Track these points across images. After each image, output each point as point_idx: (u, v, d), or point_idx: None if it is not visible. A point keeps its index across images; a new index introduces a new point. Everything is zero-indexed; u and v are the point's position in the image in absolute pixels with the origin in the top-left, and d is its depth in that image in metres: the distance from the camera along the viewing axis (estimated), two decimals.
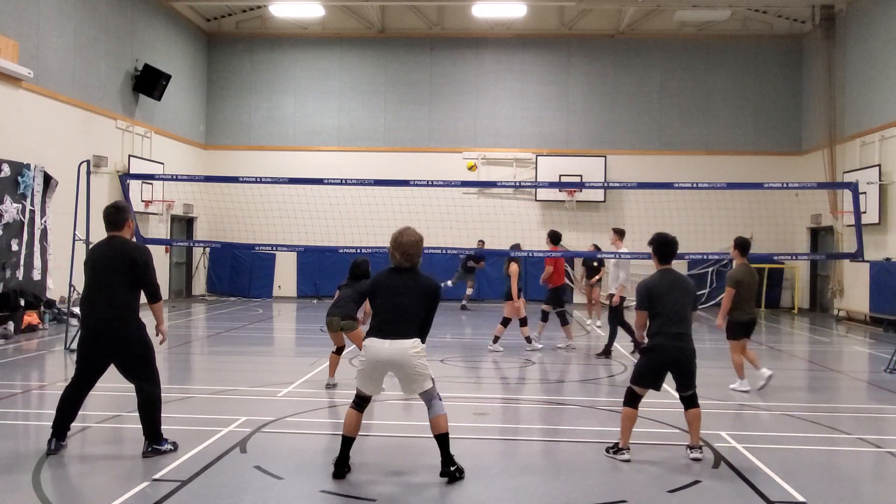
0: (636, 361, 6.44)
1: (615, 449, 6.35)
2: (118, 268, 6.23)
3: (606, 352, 12.01)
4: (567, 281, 22.91)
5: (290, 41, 24.05)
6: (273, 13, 22.81)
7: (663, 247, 6.66)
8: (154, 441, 6.17)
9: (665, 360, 6.32)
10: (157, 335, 6.49)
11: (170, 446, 6.22)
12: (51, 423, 6.23)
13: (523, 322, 12.71)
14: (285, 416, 7.60)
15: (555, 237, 13.23)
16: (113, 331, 6.18)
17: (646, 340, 6.52)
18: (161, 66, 20.17)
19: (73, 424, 6.35)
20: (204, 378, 10.68)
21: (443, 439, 5.69)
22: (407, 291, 5.76)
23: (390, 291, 5.78)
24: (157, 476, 5.59)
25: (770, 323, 18.91)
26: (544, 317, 13.05)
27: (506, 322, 12.67)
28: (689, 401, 6.41)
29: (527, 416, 8.23)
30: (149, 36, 20.36)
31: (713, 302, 22.52)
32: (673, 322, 6.30)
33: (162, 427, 6.23)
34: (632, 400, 6.39)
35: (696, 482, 5.70)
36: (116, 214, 6.57)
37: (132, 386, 6.20)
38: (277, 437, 6.94)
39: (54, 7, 16.07)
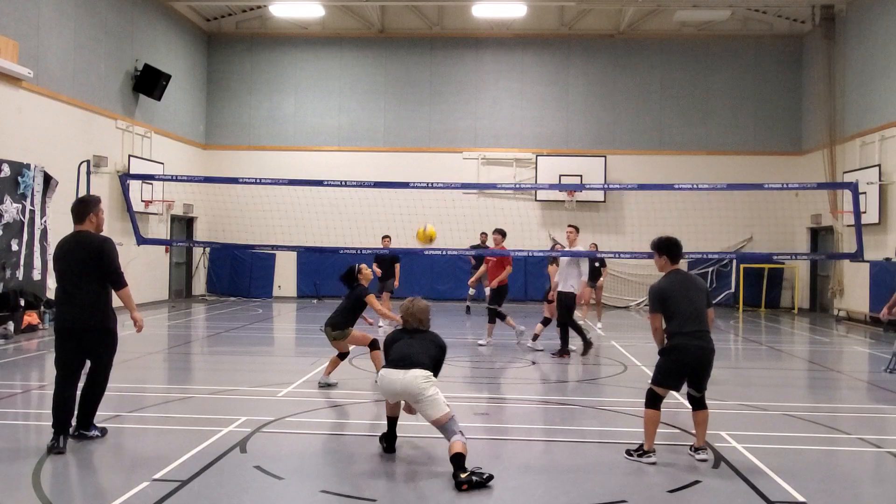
0: (657, 363, 6.43)
1: (640, 452, 6.26)
2: (84, 261, 6.44)
3: (564, 352, 11.94)
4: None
5: (290, 41, 24.05)
6: (273, 13, 22.82)
7: (673, 247, 6.68)
8: (83, 426, 6.60)
9: (688, 360, 6.27)
10: (134, 325, 6.73)
11: (97, 433, 6.65)
12: (50, 424, 6.30)
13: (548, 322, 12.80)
14: (285, 416, 7.60)
15: (500, 234, 13.38)
16: (88, 323, 6.39)
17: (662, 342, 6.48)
18: (161, 66, 20.18)
19: (73, 424, 6.38)
20: (204, 378, 10.67)
21: (459, 458, 5.64)
22: (420, 340, 6.40)
23: (405, 343, 6.35)
24: (157, 476, 5.59)
25: (770, 323, 18.91)
26: (499, 316, 13.06)
27: (546, 321, 12.76)
28: (700, 402, 6.37)
29: (527, 416, 8.22)
30: (149, 36, 20.36)
31: (713, 301, 22.51)
32: (691, 321, 6.27)
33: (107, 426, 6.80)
34: (653, 402, 6.32)
35: (696, 482, 5.70)
36: (78, 207, 6.92)
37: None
38: (277, 437, 6.93)
39: (54, 7, 16.07)
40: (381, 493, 5.43)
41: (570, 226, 12.51)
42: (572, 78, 23.62)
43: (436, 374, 6.18)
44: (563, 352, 11.87)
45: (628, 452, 6.33)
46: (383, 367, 6.21)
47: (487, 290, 13.33)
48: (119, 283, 6.53)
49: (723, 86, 23.33)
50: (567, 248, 12.45)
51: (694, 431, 6.45)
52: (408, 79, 23.85)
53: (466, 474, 5.51)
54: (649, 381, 6.47)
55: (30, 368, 10.89)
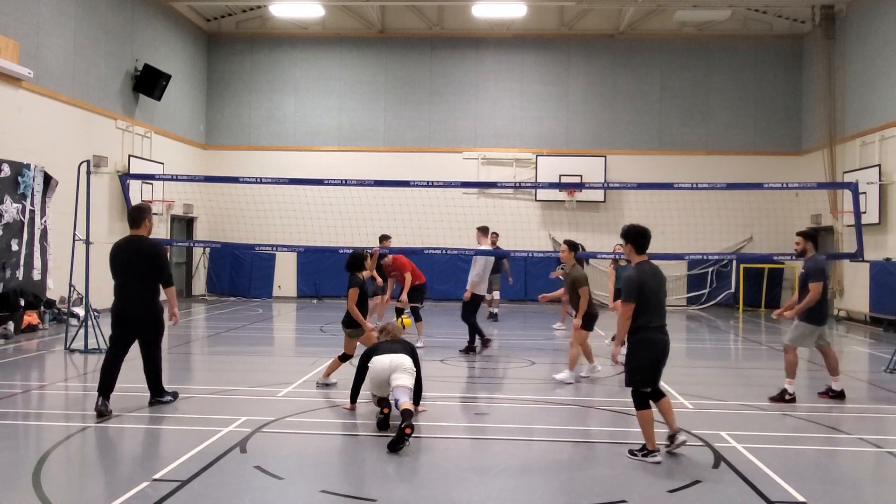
0: (629, 365, 6.40)
1: (644, 452, 6.24)
2: (139, 262, 7.69)
3: (470, 349, 12.08)
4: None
5: (290, 41, 24.05)
6: (273, 13, 22.82)
7: (640, 237, 6.65)
8: (157, 394, 7.92)
9: (660, 354, 6.35)
10: (171, 319, 7.91)
11: (170, 397, 7.99)
12: (97, 387, 7.51)
13: None
14: (285, 416, 7.60)
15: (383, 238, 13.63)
16: (140, 313, 7.73)
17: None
18: (161, 66, 20.18)
19: (72, 424, 6.42)
20: (204, 378, 10.67)
21: (407, 414, 6.57)
22: (401, 345, 7.55)
23: (389, 345, 7.54)
24: (157, 476, 5.59)
25: (770, 323, 18.91)
26: (417, 316, 12.98)
27: None
28: (660, 392, 6.48)
29: (527, 416, 8.22)
30: (149, 36, 20.36)
31: (713, 302, 22.56)
32: (658, 315, 6.37)
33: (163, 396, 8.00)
34: (642, 402, 6.34)
35: (696, 482, 5.70)
36: (135, 213, 8.03)
37: (132, 386, 6.31)
38: (277, 437, 6.93)
39: (54, 7, 16.06)
40: (381, 493, 5.42)
41: (477, 228, 13.08)
42: (572, 78, 23.62)
43: (418, 397, 7.41)
44: (470, 348, 12.15)
45: (631, 453, 6.32)
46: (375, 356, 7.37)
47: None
48: (168, 282, 7.80)
49: (723, 86, 23.33)
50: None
51: (664, 420, 6.51)
52: (408, 79, 23.85)
53: (408, 429, 6.35)
54: (626, 385, 6.47)
55: (30, 368, 10.90)
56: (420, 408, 7.51)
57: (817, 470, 6.22)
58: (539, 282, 20.70)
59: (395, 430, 6.46)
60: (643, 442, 6.31)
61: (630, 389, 6.41)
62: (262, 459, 6.08)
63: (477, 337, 12.21)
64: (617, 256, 12.92)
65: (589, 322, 9.95)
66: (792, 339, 8.81)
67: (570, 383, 9.62)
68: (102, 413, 7.32)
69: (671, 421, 6.43)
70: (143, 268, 7.69)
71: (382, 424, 7.03)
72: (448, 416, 7.88)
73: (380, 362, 7.23)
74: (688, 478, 5.78)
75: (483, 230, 13.01)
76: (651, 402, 6.40)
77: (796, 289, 9.19)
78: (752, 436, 7.10)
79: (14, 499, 5.17)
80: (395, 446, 6.30)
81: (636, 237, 6.65)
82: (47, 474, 5.67)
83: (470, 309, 12.15)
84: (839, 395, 8.88)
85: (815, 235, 9.15)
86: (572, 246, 10.12)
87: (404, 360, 7.22)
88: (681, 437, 6.40)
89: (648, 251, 6.75)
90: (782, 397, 8.64)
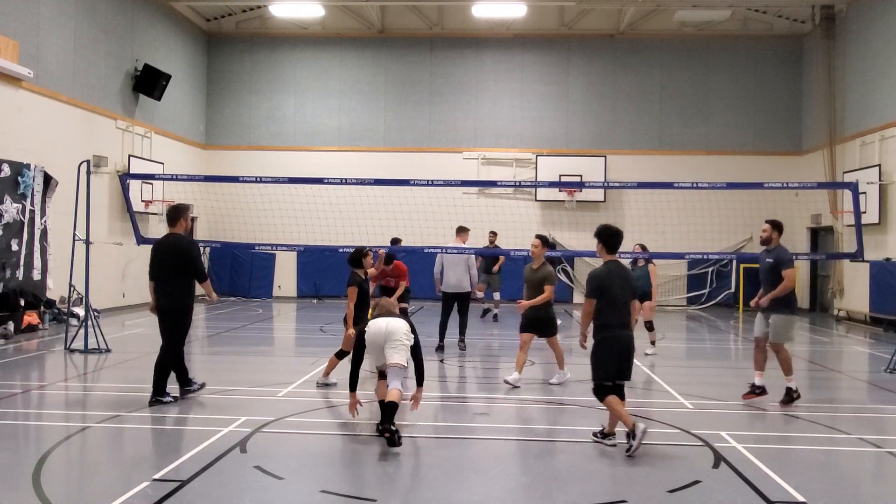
0: (592, 361, 6.66)
1: (602, 434, 6.67)
2: (173, 258, 8.10)
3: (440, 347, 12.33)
4: (567, 281, 23.10)
5: (290, 41, 24.05)
6: (273, 13, 22.81)
7: (611, 237, 6.82)
8: (157, 393, 8.03)
9: (620, 350, 6.57)
10: (210, 297, 8.63)
11: (171, 398, 8.05)
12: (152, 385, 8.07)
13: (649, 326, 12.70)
14: (285, 416, 7.60)
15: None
16: (171, 307, 8.15)
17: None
18: (161, 66, 20.17)
19: (72, 424, 6.42)
20: (204, 378, 10.64)
21: (391, 407, 6.54)
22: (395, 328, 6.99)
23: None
24: (157, 476, 5.59)
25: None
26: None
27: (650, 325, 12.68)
28: (620, 391, 6.66)
29: (527, 416, 8.22)
30: (149, 36, 20.36)
31: (713, 301, 22.56)
32: (620, 313, 6.59)
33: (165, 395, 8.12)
34: (604, 393, 6.60)
35: (696, 482, 5.70)
36: (172, 212, 8.40)
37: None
38: (277, 437, 6.94)
39: (54, 7, 16.06)
40: (381, 493, 5.42)
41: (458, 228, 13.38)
42: (572, 78, 23.62)
43: (420, 375, 7.06)
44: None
45: (594, 435, 6.74)
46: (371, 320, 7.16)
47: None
48: (201, 277, 8.26)
49: (723, 86, 23.33)
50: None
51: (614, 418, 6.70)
52: (408, 79, 23.85)
53: (391, 427, 6.43)
54: (592, 380, 6.73)
55: (30, 368, 10.90)
56: (420, 391, 7.03)
57: (817, 470, 6.22)
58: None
59: (393, 431, 6.48)
60: (626, 430, 6.45)
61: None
62: (262, 459, 6.08)
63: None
64: (637, 257, 12.74)
65: (553, 327, 9.54)
66: (777, 336, 8.51)
67: (559, 383, 9.51)
68: (188, 393, 8.32)
69: (613, 421, 6.67)
70: (176, 265, 8.10)
71: (390, 442, 6.58)
72: (448, 416, 7.88)
73: (375, 325, 6.97)
74: (688, 478, 5.78)
75: (462, 231, 13.36)
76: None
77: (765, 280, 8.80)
78: (752, 436, 7.10)
79: (14, 499, 5.17)
80: (392, 444, 6.45)
81: (608, 237, 6.84)
82: (47, 474, 5.67)
83: (446, 308, 12.61)
84: (790, 398, 8.46)
85: (782, 226, 8.98)
86: (546, 241, 9.81)
87: (400, 325, 6.94)
88: (615, 440, 6.63)
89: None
90: (791, 397, 8.41)
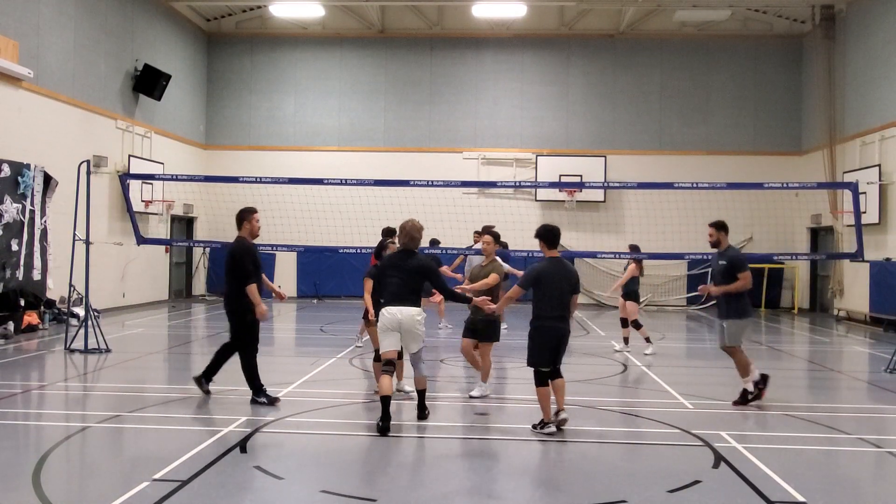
0: (529, 346, 7.19)
1: (541, 425, 7.09)
2: (227, 261, 8.32)
3: None
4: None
5: (290, 41, 24.05)
6: (273, 13, 22.81)
7: (548, 234, 7.46)
8: (255, 393, 8.07)
9: (552, 339, 7.11)
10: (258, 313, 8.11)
11: (264, 399, 8.01)
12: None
13: (635, 325, 12.75)
14: (285, 416, 7.60)
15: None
16: (227, 308, 8.30)
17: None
18: (161, 66, 20.17)
19: (72, 424, 6.41)
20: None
21: (422, 394, 7.55)
22: (407, 274, 7.37)
23: (396, 281, 7.38)
24: (157, 476, 5.59)
25: (770, 323, 18.91)
26: None
27: (624, 322, 12.83)
28: (557, 372, 7.24)
29: (527, 416, 8.21)
30: (149, 36, 20.36)
31: (713, 302, 22.52)
32: (555, 306, 7.12)
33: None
34: (541, 380, 7.16)
35: (696, 482, 5.70)
36: (237, 215, 8.69)
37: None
38: (277, 437, 6.94)
39: (54, 7, 16.06)
40: (381, 493, 5.42)
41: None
42: (572, 78, 23.61)
43: (438, 287, 7.54)
44: None
45: (533, 426, 7.14)
46: (384, 307, 7.36)
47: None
48: (243, 281, 8.09)
49: (723, 86, 23.33)
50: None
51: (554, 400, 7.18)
52: (408, 79, 23.85)
53: (426, 412, 7.51)
54: (527, 364, 7.29)
55: (30, 368, 10.90)
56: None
57: (817, 470, 6.22)
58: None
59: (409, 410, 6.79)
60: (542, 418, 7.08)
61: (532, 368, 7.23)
62: (262, 459, 6.08)
63: None
64: (628, 257, 12.83)
65: (495, 333, 8.77)
66: (731, 339, 8.47)
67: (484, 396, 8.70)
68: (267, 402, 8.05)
69: (560, 399, 7.21)
70: (228, 267, 8.28)
71: (383, 430, 6.93)
72: (448, 416, 7.88)
73: (389, 314, 7.25)
74: (688, 478, 5.78)
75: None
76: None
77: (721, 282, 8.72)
78: (752, 436, 7.10)
79: (14, 499, 5.17)
80: (421, 415, 7.46)
81: (546, 235, 7.47)
82: (47, 474, 5.67)
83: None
84: (758, 396, 8.43)
85: (727, 226, 8.88)
86: (497, 238, 9.52)
87: (412, 313, 7.24)
88: (563, 415, 7.14)
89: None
90: (745, 399, 8.38)
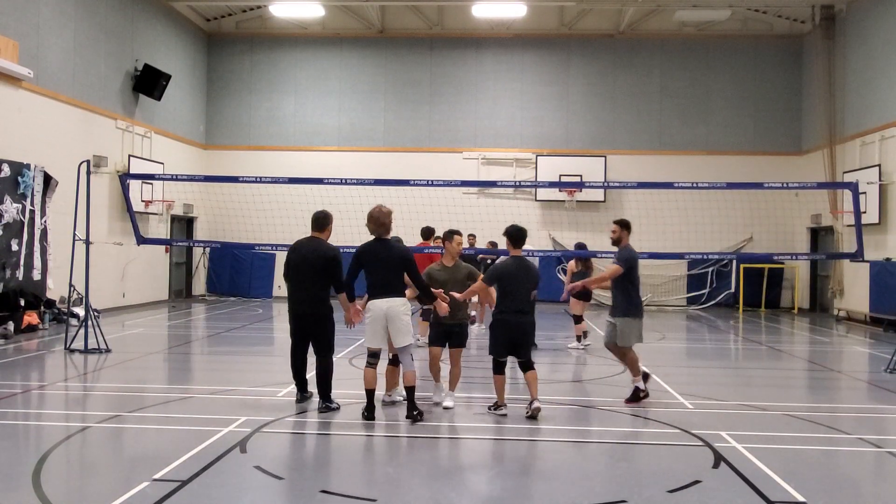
0: (490, 337, 7.75)
1: (495, 406, 7.76)
2: (319, 263, 7.88)
3: None
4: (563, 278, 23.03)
5: (290, 41, 24.05)
6: (273, 13, 22.81)
7: (514, 234, 7.84)
8: (325, 399, 7.83)
9: (510, 332, 7.63)
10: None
11: (336, 405, 7.81)
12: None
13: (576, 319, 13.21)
14: (285, 416, 7.60)
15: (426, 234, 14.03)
16: (309, 310, 7.90)
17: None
18: (161, 66, 20.17)
19: (72, 424, 6.42)
20: (204, 378, 10.68)
21: (410, 391, 7.40)
22: (386, 263, 7.54)
23: (380, 272, 7.55)
24: (157, 476, 5.58)
25: (770, 323, 18.91)
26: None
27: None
28: (526, 365, 7.74)
29: (526, 416, 8.21)
30: (149, 36, 20.36)
31: (713, 301, 22.56)
32: (517, 301, 7.64)
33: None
34: (498, 368, 7.76)
35: (696, 482, 5.70)
36: (322, 218, 8.30)
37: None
38: (277, 437, 6.94)
39: (54, 7, 16.06)
40: (381, 493, 5.42)
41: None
42: (572, 78, 23.61)
43: (413, 279, 7.61)
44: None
45: (488, 408, 7.80)
46: (371, 299, 7.49)
47: None
48: (339, 287, 7.90)
49: (723, 86, 23.33)
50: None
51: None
52: (408, 79, 23.85)
53: (416, 412, 7.37)
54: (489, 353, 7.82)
55: (30, 368, 10.90)
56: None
57: (817, 470, 6.22)
58: (540, 282, 20.68)
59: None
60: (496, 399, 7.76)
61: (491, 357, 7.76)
62: (262, 459, 6.08)
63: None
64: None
65: (465, 336, 8.37)
66: (623, 339, 8.43)
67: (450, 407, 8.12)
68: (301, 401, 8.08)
69: (533, 391, 7.64)
70: (319, 269, 7.87)
71: (368, 418, 7.33)
72: (448, 416, 7.87)
73: (375, 307, 7.38)
74: (688, 478, 5.78)
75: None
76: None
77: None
78: (752, 436, 7.09)
79: (14, 499, 5.17)
80: (413, 418, 7.34)
81: (513, 234, 7.86)
82: (47, 474, 5.67)
83: None
84: (647, 394, 8.42)
85: (630, 225, 8.73)
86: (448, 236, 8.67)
87: (397, 304, 7.35)
88: (535, 405, 7.52)
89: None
90: (637, 396, 8.36)
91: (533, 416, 7.49)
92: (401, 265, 7.53)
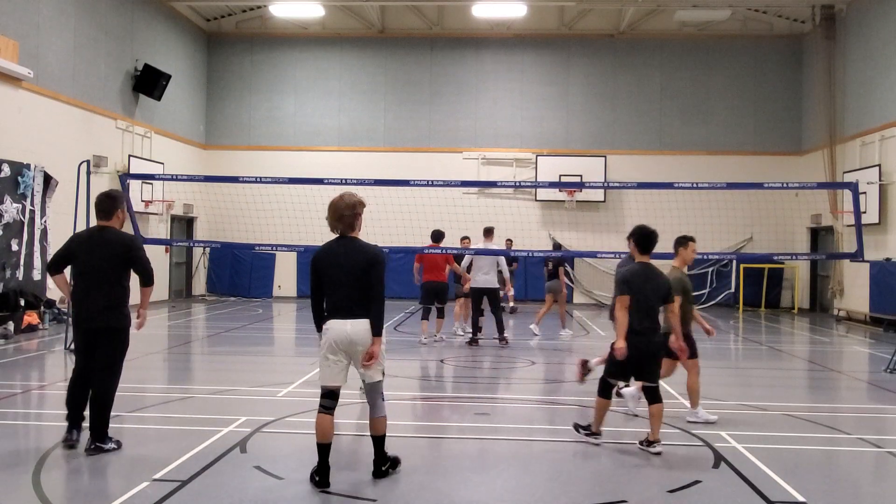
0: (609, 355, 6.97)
1: (587, 429, 6.90)
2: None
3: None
4: (567, 280, 23.05)
5: (290, 41, 24.05)
6: (273, 13, 22.82)
7: (646, 238, 7.28)
8: (98, 439, 6.17)
9: (637, 352, 6.72)
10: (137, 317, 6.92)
11: (113, 445, 6.21)
12: (64, 417, 6.45)
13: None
14: (285, 416, 7.60)
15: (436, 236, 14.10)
16: (102, 320, 6.60)
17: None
18: (161, 66, 20.17)
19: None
20: (204, 378, 10.68)
21: (380, 442, 5.65)
22: (349, 273, 5.52)
23: (340, 290, 5.55)
24: (157, 476, 5.58)
25: (770, 323, 18.91)
26: (431, 313, 13.45)
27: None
28: (653, 396, 6.77)
29: (527, 416, 8.22)
30: (149, 36, 20.36)
31: (713, 302, 22.56)
32: (644, 316, 6.88)
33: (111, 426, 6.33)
34: (605, 389, 6.90)
35: (696, 482, 5.70)
36: (106, 202, 6.99)
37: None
38: (277, 437, 6.93)
39: (54, 7, 16.06)
40: (381, 493, 5.42)
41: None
42: (572, 78, 23.61)
43: (375, 282, 5.51)
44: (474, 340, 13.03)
45: (577, 428, 6.92)
46: (329, 319, 5.51)
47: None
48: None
49: (723, 86, 23.33)
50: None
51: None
52: (408, 79, 23.85)
53: (386, 466, 5.68)
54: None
55: (30, 368, 10.90)
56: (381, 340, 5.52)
57: (817, 470, 6.22)
58: (539, 281, 20.71)
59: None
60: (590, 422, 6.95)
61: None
62: (262, 459, 6.08)
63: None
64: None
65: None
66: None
67: None
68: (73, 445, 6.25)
69: (655, 429, 6.54)
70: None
71: (319, 484, 5.44)
72: (448, 416, 7.88)
73: (338, 326, 5.41)
74: (688, 478, 5.78)
75: (486, 231, 14.17)
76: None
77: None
78: (752, 436, 7.09)
79: (14, 499, 5.16)
80: (383, 474, 5.68)
81: (639, 237, 7.43)
82: (47, 474, 5.67)
83: (476, 304, 13.25)
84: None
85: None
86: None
87: (362, 330, 5.38)
88: (656, 448, 6.42)
89: (652, 251, 7.19)
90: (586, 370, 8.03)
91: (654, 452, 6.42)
92: (368, 271, 5.53)
